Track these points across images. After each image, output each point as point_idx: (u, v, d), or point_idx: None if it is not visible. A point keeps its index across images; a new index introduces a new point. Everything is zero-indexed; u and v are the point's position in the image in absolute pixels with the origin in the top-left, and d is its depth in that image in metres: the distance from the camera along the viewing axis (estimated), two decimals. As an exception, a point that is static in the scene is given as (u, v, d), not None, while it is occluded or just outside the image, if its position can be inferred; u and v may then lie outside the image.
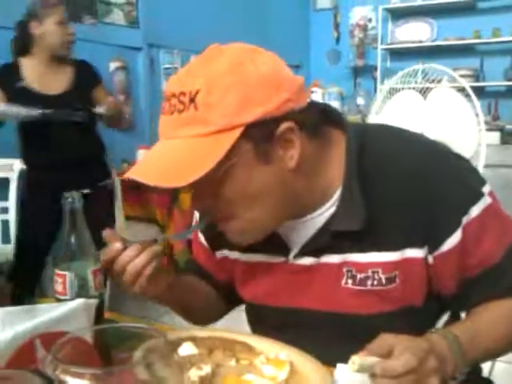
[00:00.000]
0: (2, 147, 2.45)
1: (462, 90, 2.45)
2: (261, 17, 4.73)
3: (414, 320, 0.81)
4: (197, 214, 1.01)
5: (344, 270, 0.80)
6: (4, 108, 2.20)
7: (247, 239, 0.81)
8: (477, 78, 4.91)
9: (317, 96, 4.13)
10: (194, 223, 1.05)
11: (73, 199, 0.74)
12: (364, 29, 5.40)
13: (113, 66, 3.55)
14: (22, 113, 2.20)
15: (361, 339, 0.65)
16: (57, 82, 2.36)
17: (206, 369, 0.69)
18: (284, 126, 0.72)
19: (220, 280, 0.99)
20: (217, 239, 0.94)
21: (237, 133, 0.70)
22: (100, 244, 0.77)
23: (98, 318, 0.72)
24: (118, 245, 0.77)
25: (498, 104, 4.86)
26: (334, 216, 0.79)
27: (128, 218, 2.73)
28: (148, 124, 3.73)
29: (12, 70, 2.31)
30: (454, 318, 0.89)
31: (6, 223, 2.56)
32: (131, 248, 0.77)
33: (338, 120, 0.83)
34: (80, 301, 0.68)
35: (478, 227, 0.77)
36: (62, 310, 0.65)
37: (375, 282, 0.78)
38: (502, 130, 3.83)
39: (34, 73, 2.32)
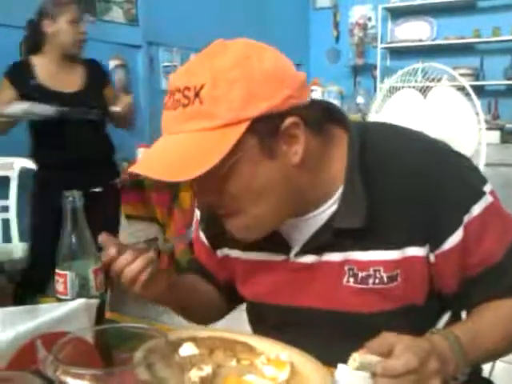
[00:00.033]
0: (3, 145, 2.45)
1: (461, 88, 2.45)
2: (260, 15, 4.72)
3: (415, 319, 0.81)
4: (197, 213, 1.00)
5: (345, 268, 0.80)
6: (28, 107, 2.19)
7: (250, 236, 0.80)
8: (477, 76, 4.91)
9: (316, 95, 4.12)
10: (194, 222, 1.04)
11: (73, 198, 0.74)
12: (364, 28, 5.40)
13: (112, 63, 3.54)
14: (45, 111, 2.20)
15: (362, 338, 0.66)
16: (70, 81, 2.36)
17: (207, 369, 0.69)
18: (289, 120, 0.72)
19: (221, 279, 0.99)
20: (217, 238, 0.94)
21: (243, 127, 0.69)
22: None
23: (99, 318, 0.72)
24: (112, 250, 0.77)
25: (497, 103, 4.86)
26: (336, 213, 0.79)
27: (129, 217, 2.73)
28: (148, 122, 3.73)
29: (24, 68, 2.30)
30: (455, 317, 0.89)
31: (6, 222, 2.56)
32: (127, 253, 0.78)
33: (341, 118, 0.83)
34: (81, 301, 0.68)
35: (480, 226, 0.77)
36: (63, 310, 0.65)
37: (377, 281, 0.79)
38: (502, 128, 3.83)
39: (46, 71, 2.32)
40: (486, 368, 1.08)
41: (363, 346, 0.64)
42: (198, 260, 1.02)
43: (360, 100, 4.71)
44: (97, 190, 2.40)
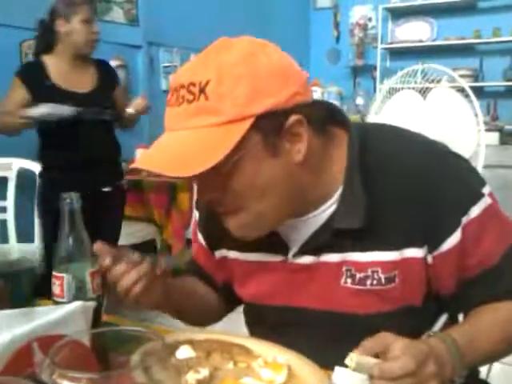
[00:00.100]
0: (0, 146, 2.44)
1: (461, 90, 2.45)
2: (261, 15, 4.72)
3: (412, 320, 0.81)
4: (196, 214, 1.00)
5: (343, 269, 0.80)
6: (50, 109, 2.19)
7: (250, 234, 0.80)
8: (476, 78, 4.91)
9: (316, 95, 4.12)
10: (192, 223, 1.04)
11: (71, 200, 0.74)
12: (364, 28, 5.40)
13: (112, 64, 3.54)
14: (66, 111, 2.21)
15: (359, 339, 0.66)
16: (82, 81, 2.37)
17: (204, 372, 0.69)
18: (293, 118, 0.72)
19: (219, 281, 0.99)
20: (216, 239, 0.94)
21: (247, 123, 0.69)
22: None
23: (96, 320, 0.72)
24: (107, 260, 0.77)
25: (497, 104, 4.87)
26: (335, 214, 0.79)
27: (127, 217, 2.73)
28: (147, 123, 3.72)
29: (36, 68, 2.30)
30: (452, 319, 0.89)
31: (4, 223, 2.56)
32: (121, 264, 0.78)
33: (341, 119, 0.83)
34: (78, 303, 0.68)
35: (478, 227, 0.77)
36: (60, 312, 0.65)
37: (374, 282, 0.78)
38: (501, 130, 3.83)
39: (59, 71, 2.31)
40: (483, 370, 1.09)
41: (360, 345, 0.64)
42: (197, 261, 1.02)
43: (359, 101, 4.71)
44: (106, 189, 2.43)
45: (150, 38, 3.77)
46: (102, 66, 2.46)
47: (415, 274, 0.79)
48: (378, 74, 5.18)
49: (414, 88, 2.54)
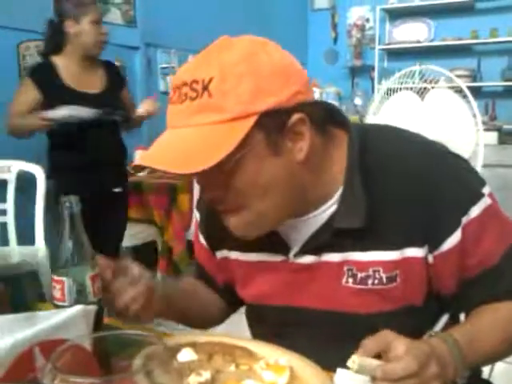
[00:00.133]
0: (0, 149, 2.44)
1: (459, 90, 2.46)
2: (259, 16, 4.72)
3: (413, 320, 0.81)
4: (197, 215, 1.00)
5: (345, 268, 0.80)
6: (71, 111, 2.20)
7: (250, 233, 0.80)
8: (474, 78, 4.91)
9: (314, 96, 4.13)
10: (193, 224, 1.04)
11: (71, 204, 0.74)
12: (362, 29, 5.40)
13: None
14: (86, 113, 2.22)
15: (361, 339, 0.66)
16: (92, 82, 2.38)
17: (206, 375, 0.69)
18: (296, 116, 0.72)
19: (220, 282, 0.99)
20: (217, 239, 0.94)
21: (251, 121, 0.69)
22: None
23: (98, 324, 0.71)
24: (107, 275, 0.78)
25: (495, 104, 4.87)
26: (336, 214, 0.79)
27: (128, 219, 2.74)
28: (145, 124, 3.72)
29: (47, 69, 2.30)
30: (453, 319, 0.89)
31: (4, 225, 2.55)
32: (119, 282, 0.79)
33: (342, 120, 0.83)
34: (79, 307, 0.67)
35: (478, 227, 0.77)
36: (61, 316, 0.64)
37: (376, 281, 0.79)
38: (499, 129, 3.84)
39: (69, 72, 2.32)
40: (486, 369, 1.09)
41: (361, 344, 0.65)
42: (198, 262, 1.02)
43: (358, 101, 4.72)
44: (117, 190, 2.46)
45: (148, 40, 3.77)
46: (110, 68, 2.48)
47: (416, 274, 0.79)
48: (375, 74, 5.19)
49: (411, 89, 2.55)
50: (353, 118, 4.01)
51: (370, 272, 0.79)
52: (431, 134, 2.38)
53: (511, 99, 4.85)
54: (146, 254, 3.13)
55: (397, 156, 0.80)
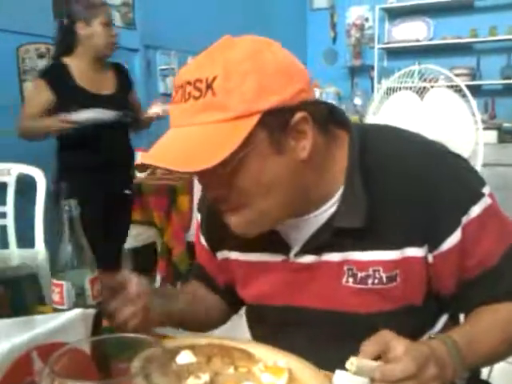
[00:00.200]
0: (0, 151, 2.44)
1: (459, 89, 2.46)
2: (258, 17, 4.72)
3: (413, 320, 0.81)
4: (198, 215, 1.00)
5: (345, 268, 0.80)
6: (94, 113, 2.22)
7: (251, 232, 0.80)
8: (473, 76, 4.91)
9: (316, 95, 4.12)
10: (194, 225, 1.04)
11: (70, 207, 0.74)
12: (361, 28, 5.39)
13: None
14: (107, 115, 2.24)
15: (361, 338, 0.66)
16: (103, 83, 2.39)
17: (205, 377, 0.69)
18: (299, 115, 0.72)
19: (221, 282, 0.99)
20: (217, 240, 0.94)
21: (254, 119, 0.69)
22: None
23: (97, 327, 0.71)
24: (105, 293, 0.78)
25: (494, 103, 4.87)
26: (336, 213, 0.79)
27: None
28: (145, 126, 3.72)
29: (60, 70, 2.31)
30: (453, 319, 0.89)
31: (3, 228, 2.55)
32: (119, 300, 0.80)
33: (343, 120, 0.84)
34: (78, 311, 0.67)
35: (478, 227, 0.77)
36: (60, 320, 0.64)
37: (376, 281, 0.79)
38: (499, 128, 3.83)
39: (81, 73, 2.33)
40: (485, 369, 1.08)
41: (361, 348, 0.65)
42: (199, 264, 1.02)
43: (357, 101, 4.71)
44: (126, 191, 2.50)
45: (147, 41, 3.77)
46: (119, 69, 2.50)
47: (416, 273, 0.79)
48: (375, 74, 5.18)
49: (411, 88, 2.55)
50: (353, 117, 4.00)
51: (370, 272, 0.79)
52: (431, 133, 2.38)
53: (511, 97, 4.85)
54: (145, 256, 3.13)
55: (397, 156, 0.80)
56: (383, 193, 0.78)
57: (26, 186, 2.53)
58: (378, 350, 0.64)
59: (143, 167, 2.86)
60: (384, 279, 0.78)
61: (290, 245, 0.84)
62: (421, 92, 2.51)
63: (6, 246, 2.52)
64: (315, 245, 0.82)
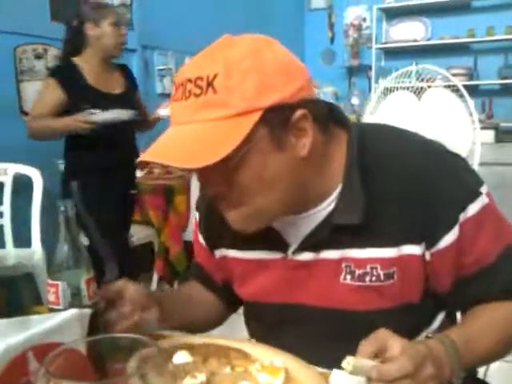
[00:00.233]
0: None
1: (456, 89, 2.46)
2: (255, 17, 4.72)
3: (411, 317, 0.81)
4: (196, 214, 1.00)
5: (343, 265, 0.80)
6: (112, 114, 2.24)
7: (249, 227, 0.80)
8: (471, 76, 4.92)
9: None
10: (193, 224, 1.04)
11: (66, 208, 0.74)
12: (358, 28, 5.40)
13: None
14: (124, 115, 2.26)
15: (359, 336, 0.66)
16: (112, 83, 2.40)
17: (201, 377, 0.69)
18: (299, 112, 0.72)
19: (219, 281, 1.00)
20: (215, 238, 0.94)
21: (256, 117, 0.70)
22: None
23: (93, 327, 0.71)
24: (101, 304, 0.78)
25: (492, 102, 4.89)
26: (335, 211, 0.79)
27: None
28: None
29: (70, 69, 2.32)
30: (450, 318, 0.90)
31: (0, 228, 2.55)
32: (113, 313, 0.79)
33: (342, 119, 0.84)
34: (73, 311, 0.67)
35: (475, 225, 0.78)
36: (56, 320, 0.64)
37: (374, 278, 0.79)
38: (496, 128, 3.83)
39: (91, 72, 2.34)
40: (481, 368, 1.08)
41: (358, 348, 0.65)
42: (197, 262, 1.02)
43: (355, 101, 4.72)
44: (132, 191, 2.54)
45: (145, 42, 3.77)
46: (125, 70, 2.52)
47: (413, 271, 0.79)
48: (372, 73, 5.19)
49: (408, 88, 2.55)
50: (350, 117, 3.98)
51: (368, 269, 0.79)
52: (428, 133, 2.38)
53: (508, 97, 4.86)
54: (142, 255, 3.13)
55: (396, 155, 0.80)
56: (382, 191, 0.78)
57: (22, 186, 2.52)
58: (375, 349, 0.64)
59: (145, 164, 2.88)
60: (381, 276, 0.79)
61: (288, 242, 0.84)
62: (418, 92, 2.51)
63: (2, 245, 2.52)
64: (313, 242, 0.82)
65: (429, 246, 0.78)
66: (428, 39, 5.15)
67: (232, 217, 0.78)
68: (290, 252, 0.84)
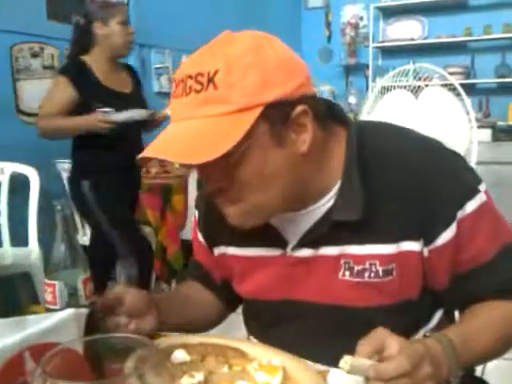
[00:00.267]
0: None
1: (453, 88, 2.46)
2: (252, 15, 4.72)
3: (410, 314, 0.82)
4: (196, 212, 1.00)
5: (342, 261, 0.81)
6: (131, 113, 2.25)
7: (249, 223, 0.80)
8: (468, 75, 4.93)
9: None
10: (192, 222, 1.04)
11: (62, 208, 0.74)
12: (355, 27, 5.40)
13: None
14: (142, 114, 2.27)
15: (358, 332, 0.66)
16: (121, 82, 2.40)
17: (199, 376, 0.69)
18: (299, 108, 0.72)
19: (218, 279, 0.99)
20: (214, 236, 0.94)
21: (256, 112, 0.70)
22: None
23: (90, 327, 0.71)
24: (99, 314, 0.78)
25: (489, 101, 4.89)
26: (334, 207, 0.80)
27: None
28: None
29: (81, 67, 2.30)
30: (448, 316, 0.90)
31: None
32: (109, 321, 0.79)
33: (342, 117, 0.84)
34: (70, 311, 0.67)
35: (473, 223, 0.78)
36: (53, 320, 0.64)
37: (372, 274, 0.79)
38: (493, 126, 3.84)
39: (101, 70, 2.33)
40: (479, 366, 1.09)
41: (356, 348, 0.64)
42: (196, 260, 1.02)
43: (352, 100, 4.72)
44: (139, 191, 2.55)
45: (142, 40, 3.75)
46: (131, 70, 2.52)
47: (412, 268, 0.79)
48: (370, 72, 5.20)
49: (405, 87, 2.56)
50: (348, 116, 4.00)
51: (367, 265, 0.79)
52: (425, 131, 2.38)
53: (505, 96, 4.87)
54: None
55: (395, 152, 0.80)
56: (381, 187, 0.78)
57: (19, 185, 2.52)
58: (373, 349, 0.64)
59: (147, 160, 2.89)
60: (380, 273, 0.79)
61: (287, 239, 0.84)
62: (415, 91, 2.51)
63: (-1, 244, 2.52)
64: (312, 238, 0.82)
65: (427, 243, 0.78)
66: (425, 38, 5.16)
67: (231, 212, 0.78)
68: (288, 249, 0.84)
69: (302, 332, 0.85)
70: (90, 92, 2.26)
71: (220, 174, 0.73)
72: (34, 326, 0.62)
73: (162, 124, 2.53)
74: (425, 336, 0.78)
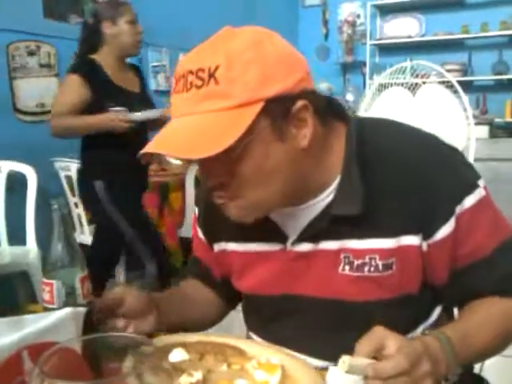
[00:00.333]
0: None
1: (450, 85, 2.47)
2: (249, 13, 4.72)
3: (410, 309, 0.82)
4: (195, 209, 1.00)
5: (341, 256, 0.81)
6: (148, 113, 2.26)
7: (248, 218, 0.80)
8: (465, 72, 4.94)
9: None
10: (192, 219, 1.04)
11: (59, 207, 0.73)
12: (353, 25, 5.41)
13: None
14: (155, 114, 2.28)
15: (358, 327, 0.66)
16: (130, 81, 2.39)
17: (197, 375, 0.69)
18: (300, 103, 0.72)
19: (218, 276, 0.99)
20: (214, 232, 0.94)
21: (258, 107, 0.70)
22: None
23: (88, 326, 0.71)
24: (97, 315, 0.77)
25: (486, 98, 4.90)
26: (333, 202, 0.80)
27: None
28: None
29: (91, 65, 2.29)
30: (447, 312, 0.90)
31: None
32: (110, 325, 0.79)
33: (342, 113, 0.84)
34: (68, 310, 0.67)
35: (471, 218, 0.78)
36: (50, 319, 0.64)
37: (372, 269, 0.79)
38: (490, 123, 3.85)
39: (109, 70, 2.32)
40: (478, 363, 1.09)
41: (355, 348, 0.64)
42: (196, 256, 1.02)
43: (349, 97, 4.72)
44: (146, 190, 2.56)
45: (139, 38, 3.75)
46: (137, 69, 2.51)
47: (412, 262, 0.80)
48: (367, 70, 5.20)
49: (403, 84, 2.55)
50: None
51: (367, 259, 0.79)
52: (423, 129, 2.38)
53: (502, 93, 4.88)
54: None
55: (395, 148, 0.80)
56: (381, 183, 0.78)
57: (16, 184, 2.51)
58: (373, 348, 0.64)
59: (149, 156, 2.90)
60: (380, 267, 0.79)
61: (287, 234, 0.84)
62: (413, 88, 2.51)
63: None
64: (312, 233, 0.82)
65: (426, 237, 0.78)
66: (422, 35, 5.17)
67: (231, 207, 0.78)
68: (288, 243, 0.84)
69: (302, 326, 0.85)
70: (102, 91, 2.25)
71: (221, 169, 0.73)
72: (32, 325, 0.62)
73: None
74: (424, 333, 0.78)
